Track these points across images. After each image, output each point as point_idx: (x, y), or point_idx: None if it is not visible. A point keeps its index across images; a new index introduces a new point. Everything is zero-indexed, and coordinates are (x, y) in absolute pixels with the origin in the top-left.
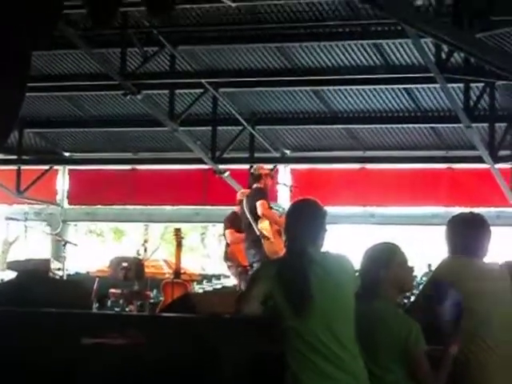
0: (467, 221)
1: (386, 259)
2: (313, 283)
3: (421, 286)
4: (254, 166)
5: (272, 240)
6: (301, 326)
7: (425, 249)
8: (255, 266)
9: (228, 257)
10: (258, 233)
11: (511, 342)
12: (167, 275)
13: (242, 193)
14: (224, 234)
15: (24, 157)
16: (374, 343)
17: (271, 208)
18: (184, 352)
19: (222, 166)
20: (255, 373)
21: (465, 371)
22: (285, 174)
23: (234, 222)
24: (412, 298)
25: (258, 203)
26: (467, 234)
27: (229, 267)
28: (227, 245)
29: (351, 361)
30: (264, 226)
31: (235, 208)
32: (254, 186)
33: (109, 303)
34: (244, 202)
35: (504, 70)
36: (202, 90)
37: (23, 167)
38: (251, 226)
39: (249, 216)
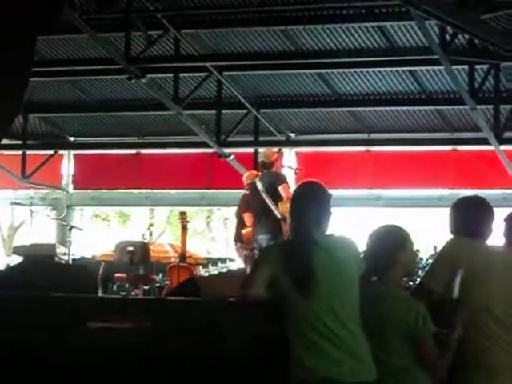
0: (472, 204)
1: (402, 241)
2: (317, 266)
3: (426, 269)
4: (262, 153)
5: None
6: (305, 309)
7: (431, 231)
8: None
9: (243, 238)
10: (278, 215)
11: None
12: (173, 259)
13: (248, 175)
14: (239, 216)
15: (29, 142)
16: (381, 327)
17: None
18: (189, 335)
19: (226, 150)
20: (260, 355)
21: (468, 350)
22: (290, 156)
23: (248, 205)
24: (417, 281)
25: (281, 187)
26: (472, 216)
27: (238, 249)
28: (241, 226)
29: (355, 343)
30: (286, 209)
31: (246, 191)
32: (267, 170)
33: (114, 287)
34: (259, 184)
35: (509, 52)
36: (206, 74)
37: (28, 152)
38: (267, 208)
39: (267, 199)
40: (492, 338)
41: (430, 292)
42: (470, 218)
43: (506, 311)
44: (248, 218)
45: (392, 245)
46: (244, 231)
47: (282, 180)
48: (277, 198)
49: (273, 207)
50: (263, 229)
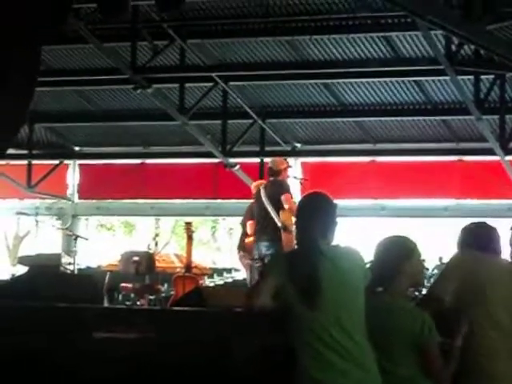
0: (479, 227)
1: (408, 252)
2: (323, 276)
3: (432, 279)
4: (271, 160)
5: (293, 233)
6: (311, 320)
7: (436, 241)
8: (267, 258)
9: (245, 247)
10: (278, 224)
11: None
12: (178, 269)
13: (256, 185)
14: (244, 224)
15: (34, 151)
16: (387, 338)
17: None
18: (195, 346)
19: (232, 160)
20: (266, 366)
21: (471, 358)
22: (295, 166)
23: (253, 213)
24: (423, 291)
25: (283, 196)
26: (481, 236)
27: (241, 257)
28: (245, 235)
29: (361, 354)
30: (287, 218)
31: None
32: (273, 178)
33: (120, 297)
34: (262, 192)
35: None
36: (212, 84)
37: (34, 162)
38: (268, 216)
39: (268, 207)
40: (495, 346)
41: (438, 300)
42: (481, 237)
43: (509, 320)
44: (250, 226)
45: (398, 255)
46: (247, 240)
47: (286, 189)
48: (279, 206)
49: (274, 215)
50: (264, 236)
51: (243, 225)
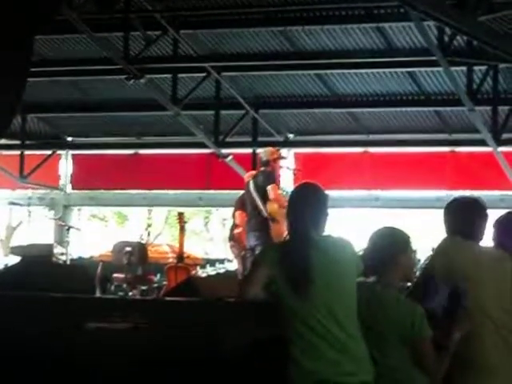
0: (463, 205)
1: (405, 244)
2: (314, 267)
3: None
4: (264, 150)
5: (281, 223)
6: (302, 310)
7: (428, 232)
8: (257, 248)
9: (234, 238)
10: (265, 215)
11: (508, 321)
12: (170, 259)
13: (249, 175)
14: (233, 215)
15: (27, 142)
16: (378, 329)
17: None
18: (187, 336)
19: (225, 150)
20: (257, 357)
21: (465, 347)
22: (288, 157)
23: (244, 204)
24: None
25: (270, 187)
26: (462, 218)
27: (231, 247)
28: (235, 226)
29: (352, 344)
30: (274, 209)
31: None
32: (263, 168)
33: (112, 288)
34: (251, 183)
35: (507, 53)
36: (204, 74)
37: (26, 152)
38: (257, 207)
39: (256, 198)
40: (488, 338)
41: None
42: (461, 219)
43: (500, 311)
44: (238, 216)
45: (396, 246)
46: (235, 231)
47: (272, 180)
48: (266, 197)
49: (261, 206)
50: (253, 227)
51: (233, 215)
